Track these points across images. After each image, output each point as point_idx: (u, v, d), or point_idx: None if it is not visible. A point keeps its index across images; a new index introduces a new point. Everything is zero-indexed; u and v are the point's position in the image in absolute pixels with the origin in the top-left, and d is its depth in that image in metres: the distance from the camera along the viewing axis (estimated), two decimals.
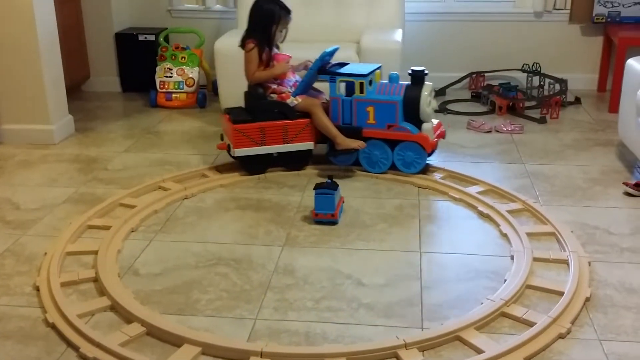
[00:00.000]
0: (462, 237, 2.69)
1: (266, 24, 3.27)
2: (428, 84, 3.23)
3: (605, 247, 2.59)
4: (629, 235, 2.69)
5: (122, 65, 4.96)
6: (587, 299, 2.22)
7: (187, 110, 4.56)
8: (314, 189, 2.80)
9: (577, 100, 4.55)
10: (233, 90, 3.99)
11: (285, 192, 3.13)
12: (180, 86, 4.60)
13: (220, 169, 3.39)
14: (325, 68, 3.30)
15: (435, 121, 3.35)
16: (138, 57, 4.86)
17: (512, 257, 2.50)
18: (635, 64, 3.36)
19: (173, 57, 4.67)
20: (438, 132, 3.35)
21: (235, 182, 3.24)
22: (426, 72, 3.25)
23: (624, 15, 4.65)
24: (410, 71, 3.24)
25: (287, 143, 3.30)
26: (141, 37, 4.85)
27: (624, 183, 3.11)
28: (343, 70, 3.29)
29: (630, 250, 2.57)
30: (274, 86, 3.34)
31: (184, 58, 4.67)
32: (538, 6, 4.75)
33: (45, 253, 2.55)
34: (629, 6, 4.63)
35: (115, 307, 2.21)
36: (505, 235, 2.67)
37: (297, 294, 2.29)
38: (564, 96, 4.41)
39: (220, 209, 2.97)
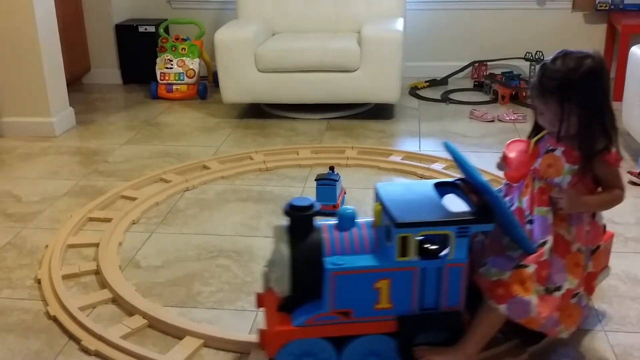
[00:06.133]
0: None
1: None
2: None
3: None
4: (634, 225, 2.67)
5: (122, 57, 4.94)
6: None
7: (188, 101, 4.54)
8: (316, 180, 2.78)
9: None
10: (233, 81, 3.98)
11: (286, 184, 3.12)
12: (181, 77, 4.58)
13: (222, 160, 3.37)
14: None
15: None
16: (138, 48, 4.84)
17: None
18: (639, 51, 3.33)
19: (173, 49, 4.65)
20: None
21: (237, 174, 3.22)
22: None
23: (627, 3, 4.61)
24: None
25: None
26: (141, 29, 4.83)
27: (628, 172, 3.09)
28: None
29: (635, 240, 2.55)
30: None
31: (184, 49, 4.64)
32: None
33: (47, 246, 2.54)
34: None
35: (116, 300, 2.20)
36: None
37: None
38: None
39: (221, 200, 2.96)
